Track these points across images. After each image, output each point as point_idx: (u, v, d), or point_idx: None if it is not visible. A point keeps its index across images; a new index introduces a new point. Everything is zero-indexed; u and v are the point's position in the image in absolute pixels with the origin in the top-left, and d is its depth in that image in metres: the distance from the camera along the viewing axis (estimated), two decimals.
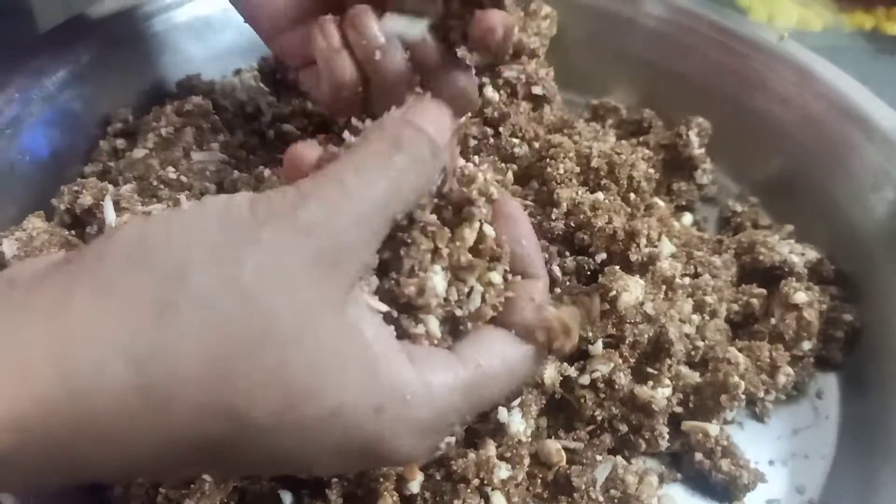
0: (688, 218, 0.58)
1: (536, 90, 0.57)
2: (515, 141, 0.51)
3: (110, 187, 0.45)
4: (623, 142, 0.57)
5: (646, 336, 0.44)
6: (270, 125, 0.56)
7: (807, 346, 0.49)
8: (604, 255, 0.47)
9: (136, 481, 0.37)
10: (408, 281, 0.29)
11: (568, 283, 0.46)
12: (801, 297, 0.49)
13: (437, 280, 0.30)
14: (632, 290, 0.43)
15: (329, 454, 0.27)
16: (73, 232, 0.44)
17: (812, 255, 0.53)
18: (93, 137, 0.54)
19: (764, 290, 0.51)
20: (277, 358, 0.24)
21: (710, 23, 0.65)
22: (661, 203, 0.55)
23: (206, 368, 0.24)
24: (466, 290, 0.31)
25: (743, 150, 0.63)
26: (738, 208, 0.59)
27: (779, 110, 0.61)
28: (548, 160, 0.50)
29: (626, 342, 0.43)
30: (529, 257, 0.33)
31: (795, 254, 0.52)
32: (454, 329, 0.31)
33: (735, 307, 0.50)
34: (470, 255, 0.31)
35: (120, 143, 0.53)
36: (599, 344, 0.43)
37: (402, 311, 0.30)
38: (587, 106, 0.68)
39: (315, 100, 0.49)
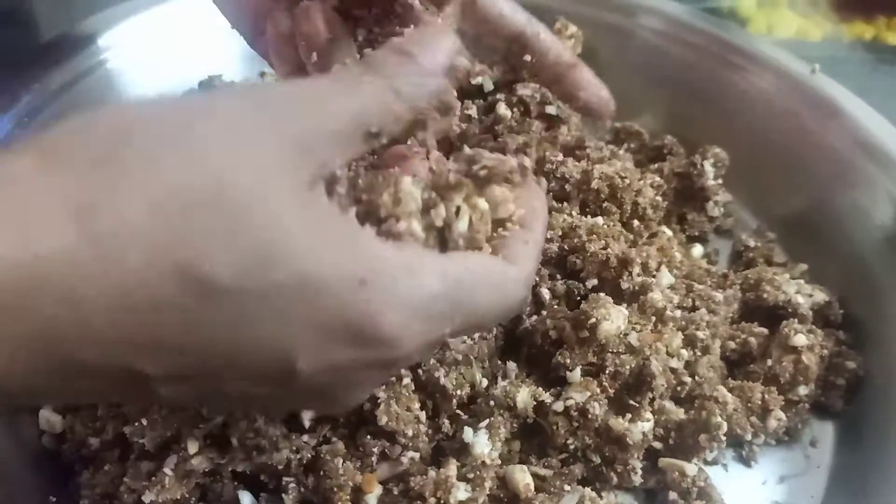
0: (698, 249, 0.57)
1: (550, 110, 0.56)
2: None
3: None
4: (629, 165, 0.56)
5: (628, 367, 0.43)
6: None
7: (803, 391, 0.47)
8: (595, 281, 0.47)
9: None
10: (382, 188, 0.29)
11: (556, 307, 0.46)
12: (800, 339, 0.47)
13: (413, 188, 0.30)
14: (613, 320, 0.42)
15: (312, 333, 0.25)
16: None
17: (821, 297, 0.51)
18: None
19: (765, 330, 0.49)
20: (234, 219, 0.24)
21: (738, 50, 0.63)
22: (667, 232, 0.54)
23: (155, 221, 0.23)
24: (454, 208, 0.31)
25: (764, 183, 0.61)
26: (752, 243, 0.57)
27: (802, 145, 0.59)
28: (543, 180, 0.50)
29: (607, 371, 0.42)
30: (534, 218, 0.34)
31: (802, 294, 0.50)
32: (444, 246, 0.31)
33: (732, 345, 0.49)
34: (458, 176, 0.31)
35: None
36: (578, 371, 0.42)
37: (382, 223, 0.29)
38: (610, 128, 0.67)
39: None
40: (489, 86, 0.60)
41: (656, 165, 0.59)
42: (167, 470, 0.38)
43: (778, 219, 0.60)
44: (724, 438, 0.43)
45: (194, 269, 0.23)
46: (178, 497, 0.38)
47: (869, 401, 0.48)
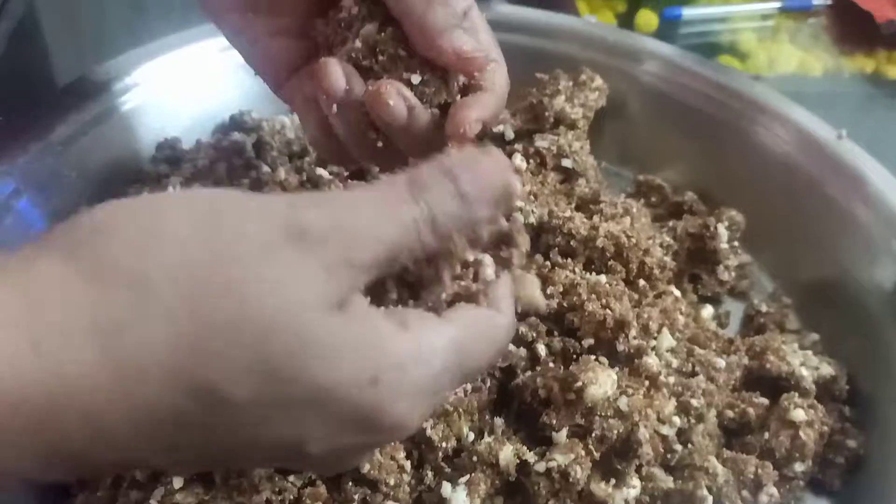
0: (708, 310, 0.56)
1: (566, 163, 0.57)
2: (519, 215, 0.51)
3: None
4: (644, 221, 0.56)
5: (615, 432, 0.43)
6: (313, 166, 0.59)
7: (799, 467, 0.46)
8: (591, 341, 0.47)
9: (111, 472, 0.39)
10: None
11: (550, 365, 0.46)
12: (799, 414, 0.46)
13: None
14: (601, 384, 0.42)
15: (323, 427, 0.26)
16: None
17: (827, 370, 0.50)
18: (143, 159, 0.58)
19: (765, 401, 0.49)
20: (256, 339, 0.24)
21: (765, 109, 0.63)
22: (675, 292, 0.54)
23: (178, 343, 0.23)
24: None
25: (785, 246, 0.61)
26: (764, 308, 0.56)
27: (825, 212, 0.58)
28: (550, 234, 0.50)
29: (593, 434, 0.42)
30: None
31: (807, 367, 0.49)
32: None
33: (730, 413, 0.48)
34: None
35: (164, 168, 0.56)
36: (564, 433, 0.42)
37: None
38: (633, 181, 0.67)
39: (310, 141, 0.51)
40: (510, 135, 0.61)
41: (671, 223, 0.58)
42: (153, 501, 0.39)
43: (796, 284, 0.59)
44: None
45: (215, 391, 0.24)
46: None
47: (868, 482, 0.47)
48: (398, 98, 0.38)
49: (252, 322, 0.24)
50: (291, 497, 0.40)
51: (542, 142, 0.57)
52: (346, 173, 0.57)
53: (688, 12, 0.88)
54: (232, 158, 0.54)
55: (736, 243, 0.58)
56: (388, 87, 0.38)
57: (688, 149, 0.67)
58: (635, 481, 0.43)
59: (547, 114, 0.61)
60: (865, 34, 0.86)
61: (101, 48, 0.59)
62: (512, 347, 0.46)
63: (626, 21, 0.88)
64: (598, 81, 0.64)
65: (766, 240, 0.61)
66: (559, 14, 0.71)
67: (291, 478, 0.41)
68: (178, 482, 0.39)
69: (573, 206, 0.57)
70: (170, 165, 0.57)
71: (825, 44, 0.87)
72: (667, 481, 0.44)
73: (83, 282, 0.24)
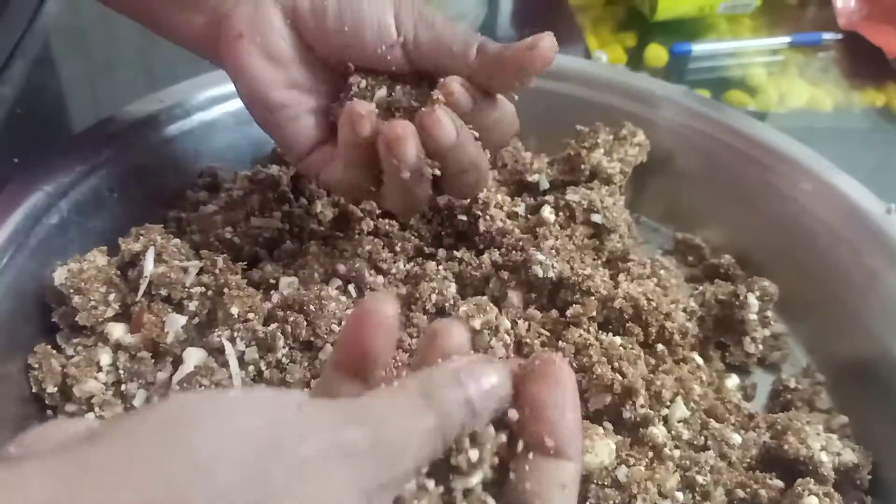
0: (733, 380, 0.54)
1: (596, 218, 0.56)
2: (539, 269, 0.51)
3: (158, 239, 0.50)
4: (673, 282, 0.54)
5: (611, 502, 0.42)
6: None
7: None
8: (598, 406, 0.46)
9: None
10: None
11: None
12: (812, 502, 0.44)
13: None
14: (597, 454, 0.41)
15: None
16: (119, 272, 0.49)
17: (850, 457, 0.48)
18: (183, 185, 0.60)
19: (781, 483, 0.47)
20: None
21: (812, 177, 0.61)
22: (697, 359, 0.52)
23: None
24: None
25: (823, 320, 0.58)
26: (793, 384, 0.54)
27: (867, 289, 0.56)
28: (568, 291, 0.50)
29: (588, 503, 0.42)
30: (570, 434, 0.29)
31: (828, 452, 0.47)
32: None
33: (741, 493, 0.46)
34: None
35: (203, 195, 0.58)
36: None
37: None
38: (672, 238, 0.66)
39: (323, 184, 0.53)
40: (545, 185, 0.61)
41: (701, 287, 0.57)
42: None
43: (831, 360, 0.57)
44: None
45: None
46: None
47: None
48: (448, 121, 0.43)
49: None
50: None
51: (573, 195, 0.57)
52: (378, 211, 0.58)
53: (697, 48, 0.88)
54: (266, 191, 0.56)
55: (769, 313, 0.56)
56: (440, 112, 0.43)
57: (730, 210, 0.65)
58: None
59: (583, 166, 0.60)
60: (876, 68, 0.85)
61: (114, 86, 0.61)
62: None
63: (636, 56, 0.88)
64: (640, 137, 0.63)
65: (804, 310, 0.59)
66: (603, 63, 0.71)
67: None
68: None
69: (601, 262, 0.56)
70: (209, 192, 0.58)
71: (835, 78, 0.85)
72: None
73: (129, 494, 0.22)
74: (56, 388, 0.46)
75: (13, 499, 0.21)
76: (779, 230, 0.62)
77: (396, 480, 0.26)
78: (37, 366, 0.46)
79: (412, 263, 0.55)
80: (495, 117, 0.46)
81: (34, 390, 0.46)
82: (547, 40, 0.42)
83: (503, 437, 0.28)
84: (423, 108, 0.43)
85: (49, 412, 0.46)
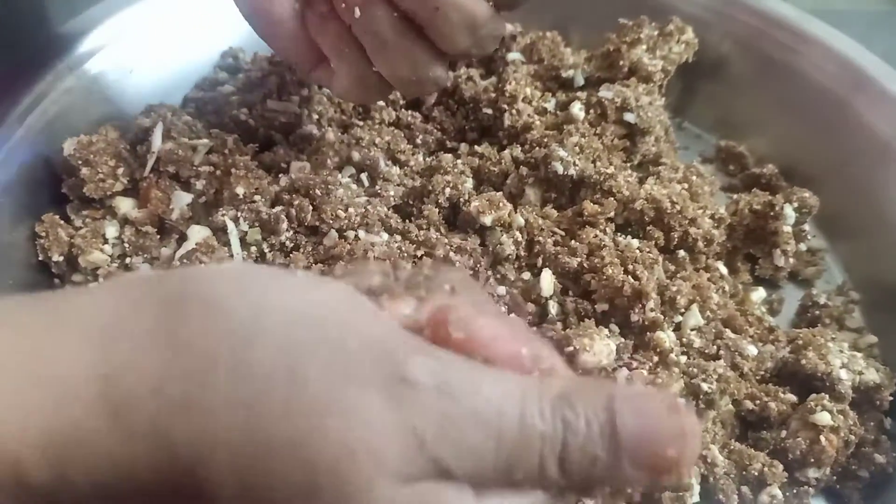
0: (759, 293, 0.52)
1: (629, 118, 0.53)
2: (559, 166, 0.48)
3: (168, 115, 0.49)
4: (706, 189, 0.51)
5: None
6: None
7: (813, 473, 0.42)
8: (606, 306, 0.44)
9: None
10: None
11: (558, 324, 0.44)
12: (824, 418, 0.42)
13: None
14: (595, 353, 0.39)
15: None
16: (129, 147, 0.49)
17: (872, 376, 0.45)
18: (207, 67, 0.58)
19: (793, 398, 0.45)
20: (307, 479, 0.21)
21: (875, 85, 0.56)
22: (722, 269, 0.50)
23: (228, 437, 0.21)
24: None
25: (866, 239, 0.55)
26: (822, 300, 0.51)
27: None
28: (588, 189, 0.48)
29: None
30: None
31: (849, 370, 0.45)
32: None
33: (750, 405, 0.44)
34: None
35: (223, 76, 0.57)
36: None
37: None
38: (714, 146, 0.63)
39: (336, 95, 0.50)
40: (579, 81, 0.58)
41: (735, 196, 0.54)
42: None
43: (869, 281, 0.54)
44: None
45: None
46: None
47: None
48: None
49: (310, 465, 0.21)
50: None
51: (606, 92, 0.54)
52: (402, 101, 0.56)
53: None
54: (284, 74, 0.54)
55: (806, 226, 0.53)
56: None
57: (780, 118, 0.61)
58: None
59: (622, 63, 0.57)
60: None
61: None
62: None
63: None
64: (689, 35, 0.59)
65: (847, 228, 0.56)
66: None
67: None
68: None
69: (631, 164, 0.53)
70: (229, 74, 0.57)
71: None
72: None
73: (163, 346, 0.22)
74: (62, 258, 0.46)
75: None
76: (830, 141, 0.58)
77: (461, 452, 0.22)
78: (44, 234, 0.46)
79: (432, 157, 0.53)
80: None
81: (41, 258, 0.46)
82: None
83: None
84: None
85: (56, 280, 0.47)
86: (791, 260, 0.52)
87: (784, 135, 0.61)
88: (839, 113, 0.57)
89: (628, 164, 0.53)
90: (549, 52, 0.61)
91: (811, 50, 0.59)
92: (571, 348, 0.39)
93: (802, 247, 0.53)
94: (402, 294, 0.26)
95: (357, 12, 0.39)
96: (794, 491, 0.42)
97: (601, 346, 0.40)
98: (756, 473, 0.42)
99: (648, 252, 0.46)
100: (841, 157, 0.57)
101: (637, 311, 0.43)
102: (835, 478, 0.43)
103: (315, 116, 0.54)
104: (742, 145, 0.62)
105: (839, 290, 0.54)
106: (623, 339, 0.43)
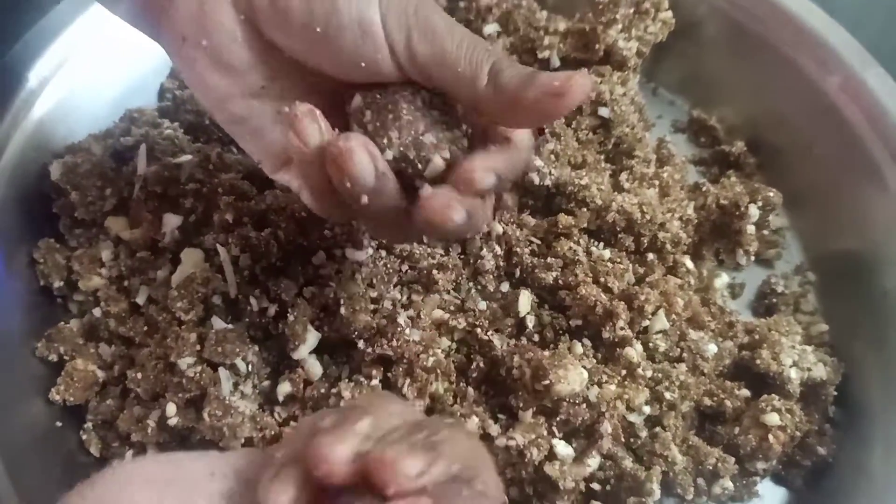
0: (722, 280, 0.55)
1: (603, 112, 0.54)
2: (535, 177, 0.50)
3: (152, 132, 0.50)
4: (677, 177, 0.54)
5: (580, 419, 0.44)
6: None
7: (761, 465, 0.48)
8: (579, 322, 0.47)
9: None
10: None
11: (536, 338, 0.47)
12: (773, 418, 0.47)
13: None
14: (570, 382, 0.43)
15: None
16: (114, 166, 0.50)
17: (819, 373, 0.49)
18: None
19: (747, 393, 0.49)
20: None
21: (847, 69, 0.57)
22: (688, 264, 0.53)
23: None
24: None
25: (826, 220, 0.58)
26: (780, 288, 0.55)
27: (876, 193, 0.55)
28: (563, 199, 0.50)
29: (559, 418, 0.45)
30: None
31: (798, 368, 0.49)
32: None
33: (708, 402, 0.49)
34: None
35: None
36: (529, 413, 0.45)
37: None
38: (687, 114, 0.64)
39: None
40: (555, 63, 0.58)
41: (704, 187, 0.56)
42: (150, 421, 0.44)
43: (826, 260, 0.57)
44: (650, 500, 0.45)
45: None
46: (160, 441, 0.45)
47: (834, 485, 0.49)
48: (365, 155, 0.33)
49: None
50: (271, 434, 0.44)
51: None
52: None
53: None
54: None
55: (769, 218, 0.56)
56: (355, 142, 0.33)
57: (752, 89, 0.62)
58: (593, 460, 0.45)
59: (597, 46, 0.57)
60: None
61: None
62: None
63: None
64: (665, 14, 0.58)
65: (809, 205, 0.59)
66: None
67: (278, 409, 0.45)
68: (170, 410, 0.44)
69: (604, 156, 0.55)
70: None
71: None
72: (626, 461, 0.46)
73: None
74: (62, 282, 0.48)
75: None
76: (799, 118, 0.60)
77: None
78: (42, 261, 0.48)
79: None
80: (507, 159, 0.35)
81: (42, 284, 0.48)
82: (580, 80, 0.32)
83: None
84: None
85: (59, 300, 0.49)
86: (752, 258, 0.55)
87: (753, 106, 0.62)
88: (808, 92, 0.58)
89: (602, 156, 0.55)
90: (525, 21, 0.60)
91: (784, 26, 0.60)
92: (548, 381, 0.43)
93: (764, 232, 0.56)
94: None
95: (365, 200, 0.34)
96: (744, 481, 0.48)
97: (574, 375, 0.43)
98: (710, 467, 0.47)
99: (619, 263, 0.49)
100: (807, 135, 0.59)
101: (608, 329, 0.46)
102: (780, 466, 0.49)
103: None
104: (713, 116, 0.63)
105: (797, 270, 0.57)
106: (594, 360, 0.47)
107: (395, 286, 0.48)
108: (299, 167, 0.36)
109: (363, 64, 0.34)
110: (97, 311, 0.47)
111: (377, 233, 0.44)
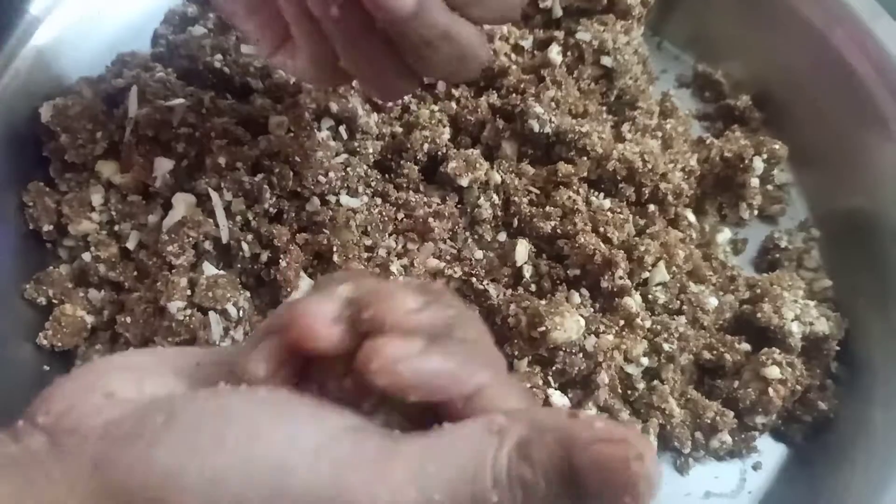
0: (725, 235, 0.54)
1: (605, 61, 0.53)
2: (535, 124, 0.49)
3: (144, 75, 0.49)
4: (680, 129, 0.53)
5: (576, 368, 0.44)
6: None
7: (760, 420, 0.47)
8: (577, 272, 0.47)
9: None
10: None
11: (532, 288, 0.47)
12: (773, 371, 0.46)
13: None
14: (566, 329, 0.42)
15: None
16: (105, 109, 0.48)
17: (822, 327, 0.49)
18: None
19: (747, 347, 0.48)
20: None
21: (856, 24, 0.55)
22: (690, 217, 0.52)
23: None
24: None
25: (832, 175, 0.57)
26: (784, 244, 0.54)
27: (881, 149, 0.53)
28: (563, 147, 0.49)
29: (555, 368, 0.44)
30: None
31: (800, 322, 0.48)
32: None
33: (708, 355, 0.48)
34: None
35: (192, 10, 0.55)
36: (525, 362, 0.44)
37: None
38: (692, 68, 0.63)
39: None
40: (558, 12, 0.57)
41: (708, 141, 0.55)
42: None
43: (830, 217, 0.56)
44: None
45: None
46: None
47: (834, 441, 0.48)
48: None
49: None
50: None
51: (584, 34, 0.53)
52: None
53: None
54: None
55: (774, 172, 0.54)
56: None
57: (758, 42, 0.60)
58: (589, 411, 0.45)
59: None
60: None
61: None
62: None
63: None
64: None
65: (814, 161, 0.57)
66: None
67: None
68: None
69: (605, 108, 0.54)
70: (197, 5, 0.56)
71: None
72: (623, 413, 0.46)
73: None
74: (52, 226, 0.47)
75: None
76: (805, 71, 0.58)
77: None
78: (31, 204, 0.47)
79: (409, 95, 0.53)
80: None
81: (31, 227, 0.47)
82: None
83: None
84: None
85: (49, 245, 0.48)
86: (755, 212, 0.54)
87: (760, 60, 0.61)
88: (816, 45, 0.57)
89: (604, 107, 0.54)
90: None
91: None
92: (544, 328, 0.42)
93: (769, 186, 0.55)
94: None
95: (335, 11, 0.35)
96: (743, 435, 0.47)
97: (571, 322, 0.43)
98: (709, 421, 0.46)
99: (619, 213, 0.48)
100: (815, 88, 0.58)
101: (607, 278, 0.45)
102: (780, 422, 0.48)
103: None
104: (718, 70, 0.62)
105: (801, 226, 0.56)
106: (592, 309, 0.46)
107: (390, 234, 0.47)
108: (299, 36, 0.37)
109: None
110: (87, 256, 0.47)
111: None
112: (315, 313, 0.24)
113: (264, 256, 0.46)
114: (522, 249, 0.46)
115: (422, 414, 0.25)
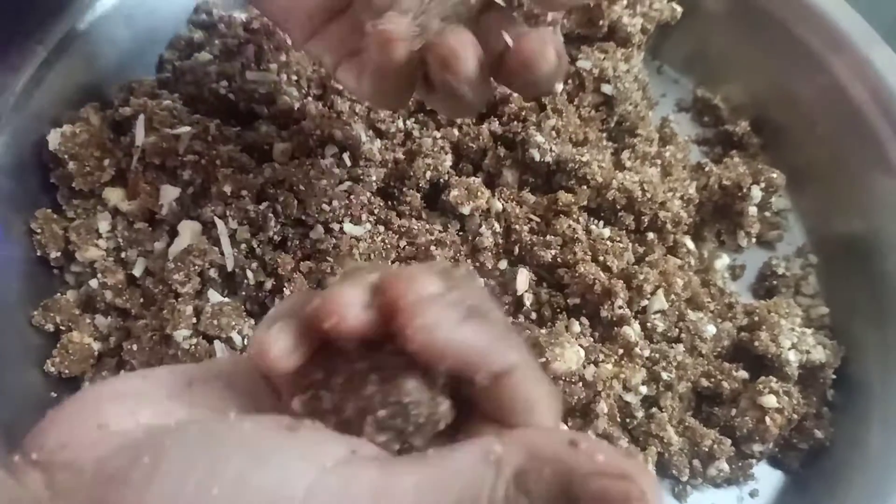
0: (723, 261, 0.55)
1: (606, 89, 0.54)
2: (536, 153, 0.50)
3: (150, 103, 0.49)
4: (679, 156, 0.53)
5: (576, 398, 0.44)
6: None
7: (757, 448, 0.48)
8: (577, 301, 0.47)
9: None
10: None
11: (533, 316, 0.47)
12: (770, 401, 0.47)
13: None
14: (566, 361, 0.43)
15: None
16: (112, 136, 0.49)
17: (818, 356, 0.49)
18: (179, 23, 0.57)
19: (745, 374, 0.49)
20: None
21: (853, 50, 0.56)
22: (689, 244, 0.53)
23: None
24: None
25: (829, 200, 0.57)
26: (781, 270, 0.55)
27: (878, 174, 0.54)
28: (564, 175, 0.49)
29: None
30: None
31: (797, 350, 0.49)
32: None
33: (706, 383, 0.49)
34: None
35: (198, 35, 0.56)
36: None
37: None
38: (692, 93, 0.63)
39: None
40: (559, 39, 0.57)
41: (707, 167, 0.55)
42: None
43: (827, 242, 0.57)
44: None
45: None
46: None
47: (830, 468, 0.49)
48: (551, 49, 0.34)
49: None
50: None
51: (584, 62, 0.54)
52: None
53: None
54: (262, 41, 0.53)
55: (772, 200, 0.55)
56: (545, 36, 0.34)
57: (757, 67, 0.61)
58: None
59: (602, 22, 0.56)
60: None
61: None
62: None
63: None
64: None
65: (811, 186, 0.58)
66: None
67: None
68: None
69: (605, 134, 0.54)
70: (203, 31, 0.56)
71: None
72: (622, 441, 0.46)
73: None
74: (59, 253, 0.48)
75: None
76: (804, 97, 0.59)
77: None
78: (39, 230, 0.48)
79: (412, 119, 0.54)
80: None
81: (39, 254, 0.48)
82: None
83: None
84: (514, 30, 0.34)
85: (56, 271, 0.49)
86: (753, 240, 0.54)
87: (758, 85, 0.61)
88: (814, 71, 0.58)
89: (604, 134, 0.55)
90: None
91: (789, 3, 0.58)
92: (544, 359, 0.43)
93: (766, 213, 0.56)
94: None
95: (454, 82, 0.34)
96: (740, 463, 0.48)
97: (571, 353, 0.43)
98: (706, 449, 0.47)
99: (619, 241, 0.49)
100: (812, 115, 0.58)
101: (606, 307, 0.46)
102: (777, 449, 0.48)
103: (294, 78, 0.54)
104: (717, 95, 0.62)
105: (798, 252, 0.57)
106: (591, 339, 0.46)
107: (392, 262, 0.48)
108: (375, 71, 0.36)
109: None
110: (94, 283, 0.47)
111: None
112: (346, 300, 0.24)
113: (268, 284, 0.46)
114: (523, 278, 0.47)
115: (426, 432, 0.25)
